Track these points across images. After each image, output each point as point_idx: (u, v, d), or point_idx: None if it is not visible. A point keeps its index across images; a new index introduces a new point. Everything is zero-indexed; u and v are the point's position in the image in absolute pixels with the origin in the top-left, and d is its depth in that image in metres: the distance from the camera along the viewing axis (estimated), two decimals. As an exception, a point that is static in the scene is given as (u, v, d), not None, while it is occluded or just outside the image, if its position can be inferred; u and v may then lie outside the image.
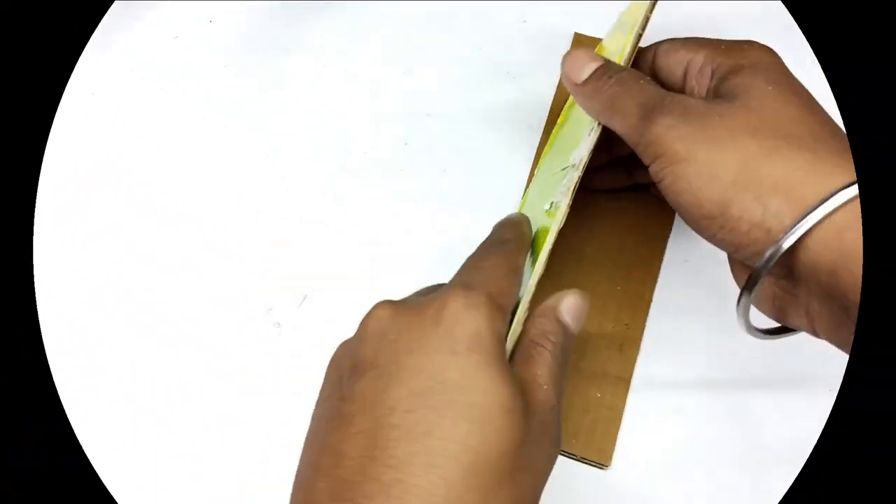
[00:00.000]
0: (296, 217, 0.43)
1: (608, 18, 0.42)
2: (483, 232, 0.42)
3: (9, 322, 0.32)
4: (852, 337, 0.26)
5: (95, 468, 0.36)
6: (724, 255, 0.40)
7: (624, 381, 0.37)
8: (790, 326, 0.31)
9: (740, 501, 0.35)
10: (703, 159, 0.28)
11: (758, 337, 0.31)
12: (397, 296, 0.40)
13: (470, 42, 0.48)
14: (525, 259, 0.31)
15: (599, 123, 0.33)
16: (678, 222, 0.41)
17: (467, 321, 0.26)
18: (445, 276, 0.41)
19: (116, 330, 0.40)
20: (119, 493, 0.36)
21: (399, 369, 0.25)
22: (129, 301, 0.41)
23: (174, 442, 0.37)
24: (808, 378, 0.37)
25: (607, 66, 0.33)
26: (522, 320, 0.29)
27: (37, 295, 0.40)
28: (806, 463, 0.31)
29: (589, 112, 0.34)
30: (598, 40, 0.45)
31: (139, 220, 0.43)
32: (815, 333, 0.30)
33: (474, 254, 0.32)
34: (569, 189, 0.32)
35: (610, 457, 0.35)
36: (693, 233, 0.41)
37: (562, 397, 0.28)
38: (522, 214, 0.35)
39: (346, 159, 0.44)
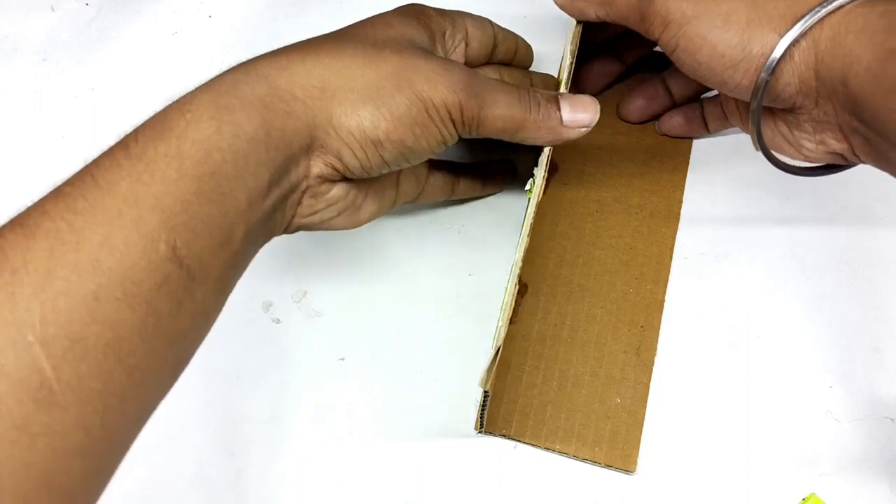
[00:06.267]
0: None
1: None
2: (483, 224, 0.42)
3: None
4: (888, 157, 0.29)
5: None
6: (725, 249, 0.40)
7: (643, 385, 0.36)
8: (834, 151, 0.33)
9: (770, 501, 0.35)
10: (713, 11, 0.31)
11: (788, 171, 0.34)
12: (397, 293, 0.40)
13: (470, 37, 0.48)
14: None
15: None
16: (681, 221, 0.41)
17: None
18: (445, 267, 0.41)
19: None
20: (118, 486, 0.36)
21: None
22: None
23: (173, 439, 0.37)
24: (809, 370, 0.37)
25: None
26: (513, 294, 0.31)
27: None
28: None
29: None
30: None
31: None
32: (855, 156, 0.32)
33: None
34: (542, 163, 0.34)
35: (635, 462, 0.35)
36: (691, 231, 0.41)
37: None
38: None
39: (346, 155, 0.44)
